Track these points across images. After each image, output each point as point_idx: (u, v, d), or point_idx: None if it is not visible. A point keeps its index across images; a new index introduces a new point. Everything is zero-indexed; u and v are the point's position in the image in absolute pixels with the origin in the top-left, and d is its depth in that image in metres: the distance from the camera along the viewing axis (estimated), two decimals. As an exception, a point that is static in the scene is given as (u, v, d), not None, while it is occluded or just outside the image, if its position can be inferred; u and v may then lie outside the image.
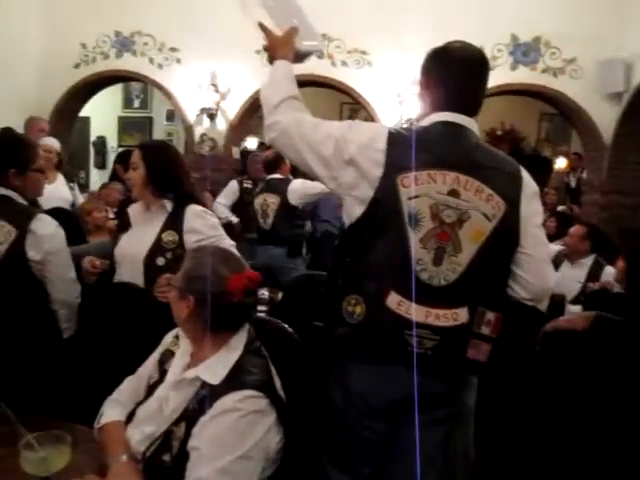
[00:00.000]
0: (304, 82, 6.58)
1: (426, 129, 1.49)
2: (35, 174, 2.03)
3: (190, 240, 2.13)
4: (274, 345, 1.47)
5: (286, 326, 1.59)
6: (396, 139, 1.45)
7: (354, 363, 1.46)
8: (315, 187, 3.93)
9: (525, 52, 5.94)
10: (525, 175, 1.53)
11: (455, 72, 1.52)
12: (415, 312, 1.40)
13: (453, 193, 1.42)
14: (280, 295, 2.76)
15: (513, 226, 1.46)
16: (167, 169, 2.23)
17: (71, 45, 6.73)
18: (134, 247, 2.17)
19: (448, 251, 1.41)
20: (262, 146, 7.37)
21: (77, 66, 6.82)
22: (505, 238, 1.46)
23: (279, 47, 1.65)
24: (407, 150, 1.41)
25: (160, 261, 2.11)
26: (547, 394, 2.31)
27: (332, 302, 1.47)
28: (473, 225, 1.42)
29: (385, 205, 1.42)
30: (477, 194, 1.43)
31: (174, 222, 2.16)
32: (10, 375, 1.77)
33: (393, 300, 1.40)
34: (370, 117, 6.79)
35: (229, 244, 2.15)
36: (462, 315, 1.42)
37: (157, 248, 2.12)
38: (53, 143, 4.39)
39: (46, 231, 1.93)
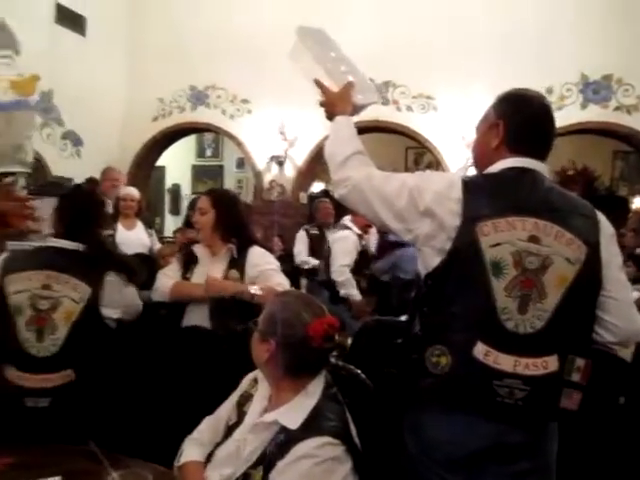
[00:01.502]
0: (369, 128, 6.70)
1: (498, 175, 1.48)
2: (102, 225, 2.23)
3: (251, 274, 2.31)
4: (347, 391, 1.47)
5: (359, 372, 1.59)
6: (471, 187, 1.44)
7: (433, 412, 1.43)
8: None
9: (595, 90, 5.82)
10: (602, 217, 1.50)
11: (528, 116, 1.50)
12: (503, 362, 1.37)
13: (533, 239, 1.39)
14: (349, 340, 2.75)
15: (596, 269, 1.42)
16: (234, 215, 2.42)
17: (150, 100, 7.21)
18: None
19: (533, 298, 1.39)
20: (326, 194, 7.54)
21: (155, 119, 7.27)
22: (589, 282, 1.43)
23: (338, 103, 1.67)
24: (483, 198, 1.41)
25: (226, 300, 2.23)
26: (630, 450, 2.16)
27: (411, 352, 1.45)
28: (556, 270, 1.40)
29: (465, 255, 1.40)
30: (557, 239, 1.40)
31: (237, 262, 2.33)
32: (96, 416, 1.86)
33: (480, 350, 1.38)
34: (436, 161, 6.80)
35: (283, 278, 2.36)
36: (552, 363, 1.38)
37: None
38: (134, 192, 4.65)
39: (115, 282, 2.03)
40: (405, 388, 1.49)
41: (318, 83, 1.71)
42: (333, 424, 1.31)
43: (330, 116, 1.70)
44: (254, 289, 2.24)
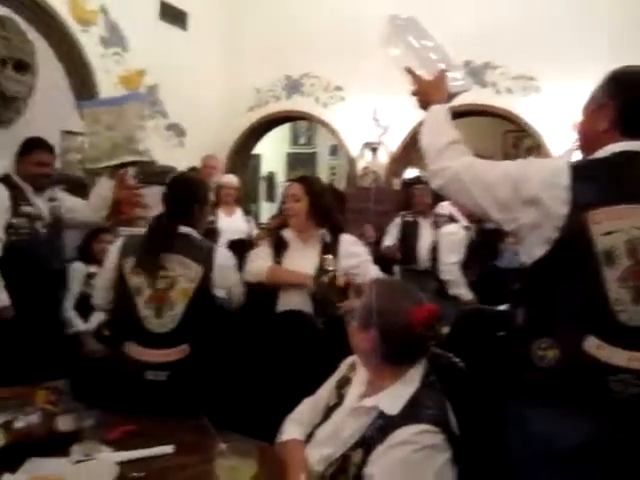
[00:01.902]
0: (465, 112, 6.50)
1: (609, 160, 1.39)
2: (208, 207, 2.33)
3: (349, 263, 2.39)
4: (445, 379, 1.46)
5: (458, 360, 1.57)
6: (580, 173, 1.36)
7: (537, 406, 1.39)
8: None
9: None
10: None
11: (636, 95, 1.41)
12: (617, 356, 1.31)
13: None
14: (446, 328, 2.72)
15: None
16: (326, 202, 2.49)
17: (247, 90, 7.42)
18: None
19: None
20: (419, 180, 7.41)
21: (251, 109, 7.48)
22: None
23: (431, 92, 1.66)
24: (594, 184, 1.34)
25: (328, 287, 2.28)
26: None
27: (515, 344, 1.42)
28: None
29: (574, 244, 1.34)
30: None
31: (330, 248, 2.40)
32: (207, 390, 1.98)
33: (591, 344, 1.32)
34: (536, 145, 6.48)
35: (375, 269, 2.43)
36: None
37: (321, 270, 2.36)
38: (233, 180, 4.84)
39: (225, 262, 2.15)
40: (507, 380, 1.45)
41: (410, 72, 1.70)
42: (432, 412, 1.30)
43: (424, 105, 1.69)
44: (342, 279, 2.41)
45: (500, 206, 1.42)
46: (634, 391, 1.30)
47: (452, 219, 4.08)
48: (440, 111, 1.62)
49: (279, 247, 2.49)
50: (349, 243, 2.45)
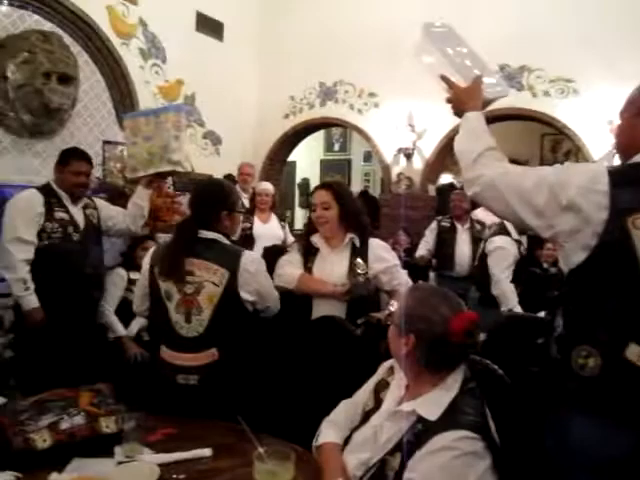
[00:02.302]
0: (502, 116, 6.43)
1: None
2: (238, 215, 2.24)
3: (378, 267, 2.36)
4: (483, 386, 1.44)
5: (496, 367, 1.55)
6: (619, 178, 1.34)
7: (577, 415, 1.37)
8: None
9: None
10: None
11: None
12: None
13: None
14: (483, 335, 2.69)
15: None
16: (355, 207, 2.46)
17: (281, 99, 7.50)
18: (330, 276, 2.38)
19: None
20: (452, 186, 7.35)
21: (286, 116, 7.55)
22: None
23: (466, 99, 1.64)
24: (634, 189, 1.32)
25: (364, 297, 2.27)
26: None
27: (555, 352, 1.41)
28: None
29: (614, 250, 1.32)
30: None
31: (360, 252, 2.38)
32: (241, 394, 2.00)
33: (633, 352, 1.30)
34: (575, 148, 6.36)
35: (406, 276, 2.42)
36: None
37: (352, 273, 2.34)
38: (269, 187, 4.89)
39: (252, 266, 2.07)
40: (547, 388, 1.43)
41: (445, 79, 1.69)
42: (472, 418, 1.29)
43: (459, 112, 1.66)
44: (392, 307, 2.24)
45: (537, 213, 1.40)
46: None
47: (503, 230, 3.84)
48: (475, 118, 1.61)
49: (308, 253, 2.48)
50: (378, 247, 2.43)
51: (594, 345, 1.33)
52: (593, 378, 1.32)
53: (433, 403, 1.34)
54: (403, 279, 2.41)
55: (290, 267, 2.46)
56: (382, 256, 2.40)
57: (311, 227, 2.53)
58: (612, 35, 5.49)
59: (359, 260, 2.35)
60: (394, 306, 2.20)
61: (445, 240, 5.00)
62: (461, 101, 1.65)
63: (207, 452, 1.62)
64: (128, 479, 1.46)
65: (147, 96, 6.03)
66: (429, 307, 1.38)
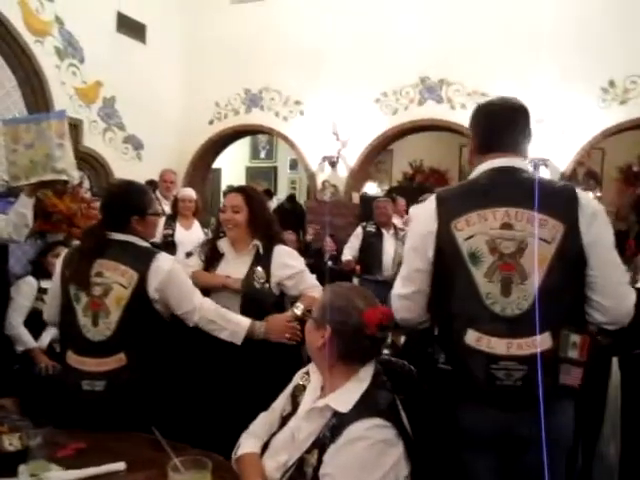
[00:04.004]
0: (424, 126, 6.66)
1: (473, 180, 1.64)
2: (153, 218, 2.15)
3: (282, 275, 2.34)
4: (400, 386, 1.48)
5: (412, 367, 1.60)
6: (444, 197, 1.61)
7: (458, 402, 1.55)
8: None
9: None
10: (583, 196, 1.54)
11: (482, 118, 1.71)
12: (497, 345, 1.45)
13: (506, 226, 1.50)
14: (403, 339, 2.75)
15: (576, 246, 1.48)
16: (265, 212, 2.46)
17: (206, 104, 7.40)
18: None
19: (515, 280, 1.46)
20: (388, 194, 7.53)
21: (211, 122, 7.46)
22: (570, 259, 1.48)
23: None
24: (455, 200, 1.58)
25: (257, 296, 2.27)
26: None
27: (422, 347, 1.62)
28: (533, 251, 1.47)
29: (447, 251, 1.53)
30: (529, 222, 1.48)
31: (263, 259, 2.34)
32: (152, 403, 1.92)
33: (471, 337, 1.47)
34: (491, 158, 6.66)
35: (314, 279, 2.42)
36: (545, 341, 1.44)
37: (251, 279, 2.30)
38: (191, 193, 4.80)
39: (164, 268, 1.98)
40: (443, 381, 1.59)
41: None
42: (383, 407, 1.34)
43: None
44: (299, 310, 2.25)
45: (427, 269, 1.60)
46: (517, 375, 1.44)
47: None
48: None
49: (212, 258, 2.43)
50: (283, 255, 2.38)
51: (442, 337, 1.55)
52: (451, 366, 1.53)
53: (346, 396, 1.37)
54: (310, 282, 2.40)
55: (186, 268, 2.37)
56: (287, 263, 2.37)
57: (219, 231, 2.50)
58: (524, 53, 5.83)
59: (259, 269, 2.31)
60: (299, 308, 2.23)
61: (371, 245, 5.07)
62: None
63: (121, 466, 1.55)
64: (33, 499, 1.37)
65: (63, 97, 5.77)
66: (346, 300, 1.42)
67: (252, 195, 2.44)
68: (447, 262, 1.53)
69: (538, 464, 1.35)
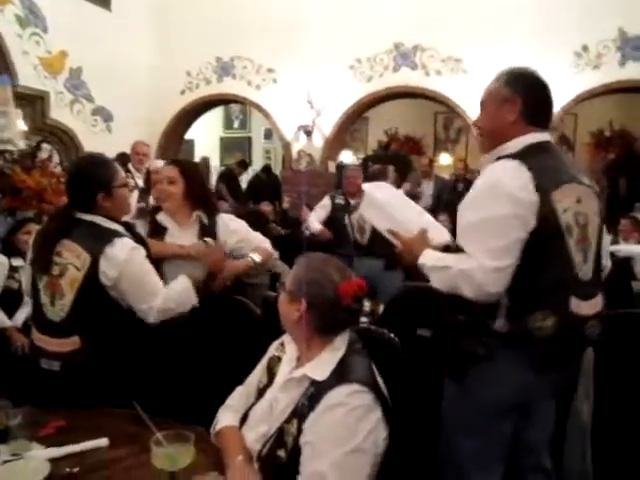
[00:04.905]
0: (398, 94, 6.61)
1: (544, 151, 1.63)
2: (121, 190, 2.02)
3: (232, 241, 2.38)
4: (379, 354, 1.49)
5: (392, 335, 1.62)
6: (535, 167, 1.55)
7: (516, 366, 1.57)
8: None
9: (637, 46, 5.57)
10: None
11: (542, 94, 1.68)
12: (585, 308, 1.57)
13: (579, 201, 1.59)
14: (381, 307, 2.78)
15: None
16: (202, 184, 2.47)
17: (177, 73, 7.23)
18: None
19: (587, 249, 1.60)
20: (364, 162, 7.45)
21: (182, 92, 7.30)
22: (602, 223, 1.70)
23: (417, 245, 1.72)
24: (545, 171, 1.56)
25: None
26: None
27: (502, 324, 1.56)
28: (593, 223, 1.62)
29: (549, 222, 1.54)
30: (589, 197, 1.63)
31: (208, 230, 2.35)
32: (110, 384, 1.89)
33: (577, 305, 1.55)
34: (466, 125, 6.69)
35: (261, 236, 2.49)
36: (600, 300, 1.64)
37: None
38: (162, 165, 4.70)
39: (120, 256, 1.88)
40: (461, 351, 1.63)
41: (392, 232, 1.80)
42: (360, 374, 1.35)
43: (410, 260, 1.74)
44: (256, 257, 2.38)
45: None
46: (597, 332, 1.60)
47: None
48: (430, 257, 1.68)
49: (155, 232, 2.38)
50: (227, 221, 2.42)
51: (548, 307, 1.53)
52: (553, 336, 1.53)
53: (322, 364, 1.38)
54: (258, 239, 2.48)
55: None
56: (233, 229, 2.41)
57: (156, 205, 2.47)
58: (497, 17, 5.79)
59: (209, 239, 2.31)
60: (256, 256, 2.37)
61: (340, 218, 4.78)
62: (412, 249, 1.73)
63: (103, 442, 1.55)
64: (15, 478, 1.36)
65: (27, 67, 5.57)
66: (320, 273, 1.43)
67: (188, 167, 2.43)
68: (548, 233, 1.53)
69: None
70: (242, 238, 2.42)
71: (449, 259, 1.60)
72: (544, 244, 1.53)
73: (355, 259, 4.36)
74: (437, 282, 1.62)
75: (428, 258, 1.66)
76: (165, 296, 1.99)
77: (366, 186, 1.96)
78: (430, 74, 6.29)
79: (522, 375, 1.56)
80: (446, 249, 1.70)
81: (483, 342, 1.57)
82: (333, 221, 4.85)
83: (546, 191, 1.52)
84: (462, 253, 1.56)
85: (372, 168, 4.81)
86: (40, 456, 1.46)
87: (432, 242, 1.74)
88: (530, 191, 1.51)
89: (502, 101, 1.65)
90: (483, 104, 1.74)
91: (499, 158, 1.62)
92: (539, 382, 1.61)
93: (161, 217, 2.40)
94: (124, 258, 1.89)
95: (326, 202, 4.99)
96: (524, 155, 1.58)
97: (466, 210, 1.61)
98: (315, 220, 4.94)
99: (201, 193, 2.40)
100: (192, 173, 2.40)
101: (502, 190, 1.51)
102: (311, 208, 5.73)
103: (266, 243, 2.49)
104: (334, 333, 1.43)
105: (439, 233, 1.81)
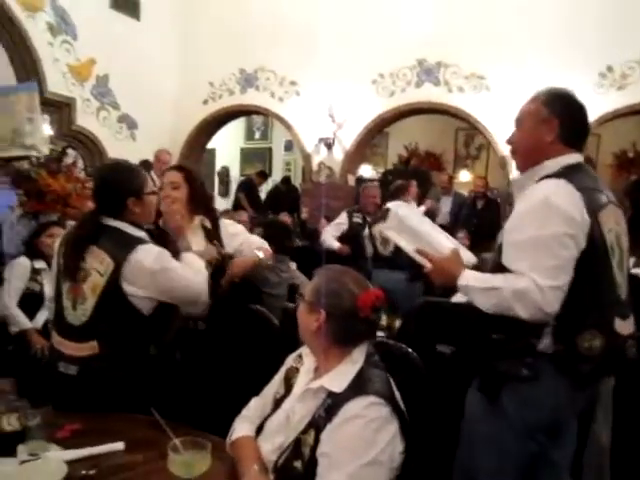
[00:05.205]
0: (420, 109, 6.62)
1: (576, 172, 1.61)
2: (150, 197, 2.04)
3: (234, 244, 2.44)
4: (396, 368, 1.49)
5: (409, 350, 1.61)
6: (583, 187, 1.56)
7: (559, 387, 1.56)
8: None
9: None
10: None
11: (580, 115, 1.68)
12: (624, 327, 1.57)
13: (616, 223, 1.63)
14: (398, 322, 2.77)
15: None
16: (203, 189, 2.52)
17: (200, 84, 7.33)
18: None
19: (624, 270, 1.62)
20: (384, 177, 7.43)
21: (205, 102, 7.39)
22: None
23: (451, 266, 1.70)
24: (591, 193, 1.58)
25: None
26: None
27: (549, 344, 1.55)
28: (626, 244, 1.66)
29: (597, 242, 1.55)
30: (621, 219, 1.66)
31: (213, 235, 2.40)
32: (127, 390, 1.89)
33: (619, 325, 1.56)
34: (487, 142, 6.67)
35: (257, 237, 2.58)
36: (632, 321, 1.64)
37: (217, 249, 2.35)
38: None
39: (145, 263, 1.87)
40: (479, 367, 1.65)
41: (421, 252, 1.77)
42: (377, 385, 1.35)
43: (443, 281, 1.74)
44: (261, 254, 2.45)
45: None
46: (633, 351, 1.60)
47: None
48: (473, 278, 1.65)
49: (164, 242, 2.41)
50: (228, 226, 2.50)
51: (596, 327, 1.53)
52: (602, 356, 1.53)
53: (340, 376, 1.39)
54: (257, 242, 2.54)
55: None
56: (234, 233, 2.48)
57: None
58: (521, 35, 5.79)
59: (216, 243, 2.36)
60: (260, 253, 2.44)
61: (356, 235, 4.77)
62: (443, 269, 1.71)
63: (119, 446, 1.56)
64: (32, 478, 1.38)
65: (56, 74, 5.70)
66: (339, 284, 1.44)
67: (191, 173, 2.46)
68: (596, 253, 1.54)
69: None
70: (243, 242, 2.48)
71: (497, 280, 1.56)
72: (592, 264, 1.53)
73: (374, 271, 4.35)
74: (484, 304, 1.58)
75: (470, 279, 1.63)
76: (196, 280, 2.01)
77: (391, 205, 1.94)
78: (452, 90, 6.30)
79: (562, 395, 1.56)
80: (476, 269, 1.67)
81: (526, 363, 1.55)
82: (350, 237, 4.85)
83: (594, 212, 1.53)
84: (509, 273, 1.53)
85: (395, 183, 4.80)
86: (57, 457, 1.47)
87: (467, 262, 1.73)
88: (582, 211, 1.51)
89: (540, 121, 1.66)
90: (520, 122, 1.74)
91: (540, 179, 1.62)
92: (575, 401, 1.62)
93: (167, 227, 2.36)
94: (152, 262, 1.89)
95: (343, 220, 4.98)
96: (567, 175, 1.57)
97: (515, 229, 1.58)
98: (331, 237, 4.95)
99: (203, 198, 2.45)
100: (195, 178, 2.44)
101: (555, 209, 1.50)
102: (330, 220, 5.76)
103: (265, 244, 2.55)
104: (352, 345, 1.43)
105: (465, 254, 1.79)
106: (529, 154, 1.70)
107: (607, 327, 1.54)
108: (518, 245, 1.55)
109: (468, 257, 1.80)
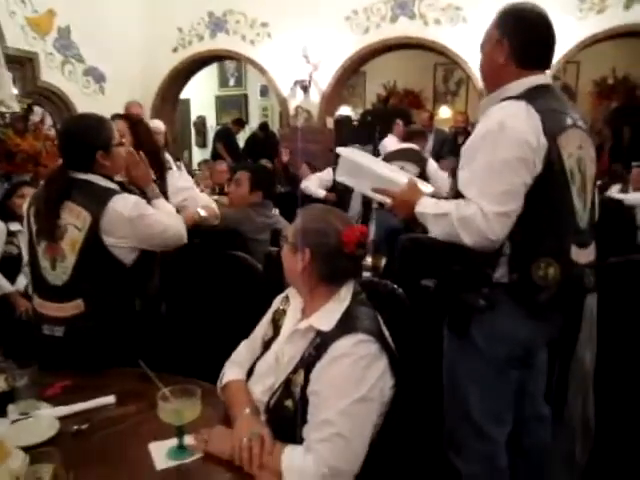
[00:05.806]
0: (396, 45, 6.45)
1: (547, 94, 1.55)
2: (118, 149, 1.98)
3: (179, 199, 2.37)
4: (383, 305, 1.49)
5: (395, 286, 1.61)
6: (542, 110, 1.49)
7: (518, 316, 1.55)
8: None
9: (641, -12, 5.39)
10: None
11: (528, 30, 1.58)
12: (582, 256, 1.54)
13: (580, 147, 1.55)
14: (384, 261, 2.77)
15: None
16: (151, 140, 2.41)
17: (169, 30, 7.05)
18: None
19: (586, 197, 1.57)
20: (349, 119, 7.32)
21: (175, 50, 7.14)
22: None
23: (410, 197, 1.66)
24: (551, 115, 1.50)
25: None
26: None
27: (503, 273, 1.52)
28: (591, 170, 1.59)
29: (555, 167, 1.49)
30: (588, 143, 1.58)
31: (159, 187, 2.22)
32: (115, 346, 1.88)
33: (576, 253, 1.52)
34: (466, 76, 6.55)
35: (204, 195, 2.56)
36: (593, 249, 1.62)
37: None
38: (158, 125, 4.63)
39: (124, 213, 1.84)
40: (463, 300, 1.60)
41: (378, 190, 1.73)
42: (366, 323, 1.35)
43: (406, 211, 1.68)
44: (202, 212, 2.39)
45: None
46: (593, 280, 1.57)
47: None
48: (426, 204, 1.61)
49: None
50: (175, 179, 2.42)
51: (550, 255, 1.49)
52: (558, 284, 1.50)
53: (328, 315, 1.39)
54: (205, 199, 2.50)
55: None
56: (181, 186, 2.41)
57: None
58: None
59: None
60: (203, 212, 2.38)
61: (341, 189, 4.69)
62: (404, 201, 1.68)
63: (111, 399, 1.56)
64: (25, 436, 1.37)
65: (14, 29, 5.43)
66: (322, 222, 1.42)
67: (136, 123, 2.37)
68: (553, 179, 1.48)
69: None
70: (187, 196, 2.42)
71: (448, 205, 1.53)
72: (548, 190, 1.48)
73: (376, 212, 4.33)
74: (435, 230, 1.56)
75: (426, 206, 1.60)
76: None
77: (340, 150, 1.87)
78: (429, 24, 6.12)
79: (524, 326, 1.55)
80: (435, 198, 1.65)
81: (483, 293, 1.53)
82: (336, 188, 4.81)
83: (553, 135, 1.46)
84: (461, 199, 1.50)
85: (410, 128, 4.77)
86: (48, 415, 1.47)
87: (425, 191, 1.71)
88: (539, 135, 1.44)
89: (494, 43, 1.60)
90: (482, 47, 1.68)
91: (502, 100, 1.54)
92: (539, 332, 1.60)
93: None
94: (130, 211, 1.85)
95: (328, 176, 4.93)
96: (529, 97, 1.50)
97: (468, 154, 1.53)
98: (316, 186, 4.92)
99: (150, 149, 2.29)
100: (141, 128, 2.35)
101: (510, 132, 1.44)
102: (310, 165, 5.69)
103: (213, 204, 2.49)
104: (339, 283, 1.43)
105: (421, 185, 1.76)
106: (489, 79, 1.65)
107: (563, 255, 1.51)
108: (470, 171, 1.51)
109: (424, 187, 1.78)
